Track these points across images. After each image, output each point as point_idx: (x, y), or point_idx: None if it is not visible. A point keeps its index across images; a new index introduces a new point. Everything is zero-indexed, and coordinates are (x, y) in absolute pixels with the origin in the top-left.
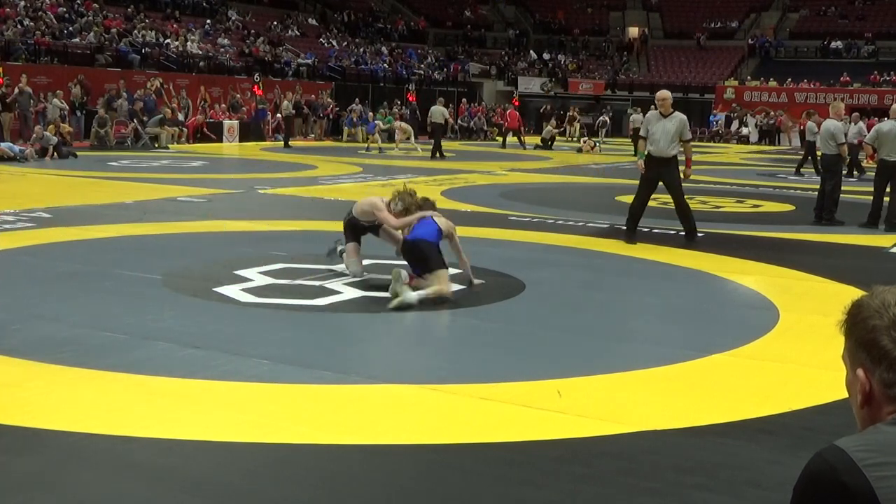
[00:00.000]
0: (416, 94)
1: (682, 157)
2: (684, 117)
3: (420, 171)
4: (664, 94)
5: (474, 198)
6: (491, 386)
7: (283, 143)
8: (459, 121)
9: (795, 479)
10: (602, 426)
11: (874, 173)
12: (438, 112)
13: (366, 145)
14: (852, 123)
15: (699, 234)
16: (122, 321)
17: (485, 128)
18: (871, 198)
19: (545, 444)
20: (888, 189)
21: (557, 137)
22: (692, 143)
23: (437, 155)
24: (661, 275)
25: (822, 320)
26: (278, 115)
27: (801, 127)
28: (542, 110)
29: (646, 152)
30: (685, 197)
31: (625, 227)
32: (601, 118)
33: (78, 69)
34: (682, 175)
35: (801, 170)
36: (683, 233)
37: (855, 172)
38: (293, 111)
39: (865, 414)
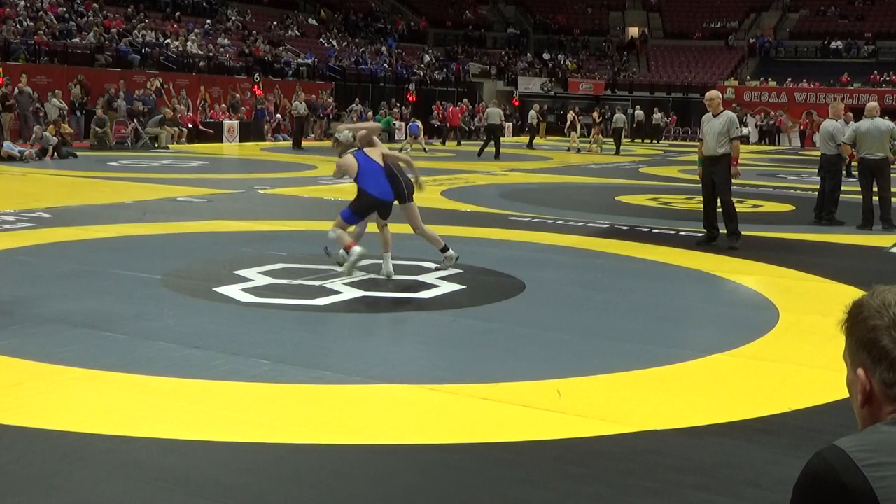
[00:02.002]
0: (416, 94)
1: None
2: (732, 115)
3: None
4: (712, 94)
5: (474, 198)
6: (491, 386)
7: (291, 143)
8: (460, 122)
9: (795, 479)
10: (602, 426)
11: (857, 172)
12: (496, 113)
13: (402, 146)
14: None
15: (738, 241)
16: (122, 321)
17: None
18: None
19: (545, 444)
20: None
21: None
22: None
23: (495, 155)
24: (661, 275)
25: (822, 320)
26: (277, 115)
27: (802, 127)
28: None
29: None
30: (734, 199)
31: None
32: (618, 115)
33: (78, 69)
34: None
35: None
36: (725, 232)
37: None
38: (304, 112)
39: (866, 413)
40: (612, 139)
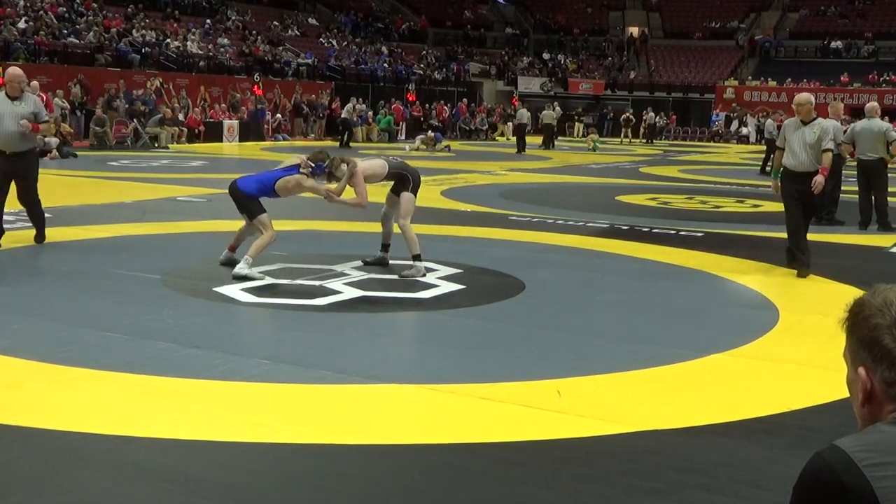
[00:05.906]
0: (416, 94)
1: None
2: (829, 125)
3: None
4: (802, 98)
5: (474, 198)
6: (491, 386)
7: (339, 143)
8: (460, 122)
9: (795, 479)
10: (602, 426)
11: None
12: (550, 115)
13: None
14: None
15: (805, 267)
16: (122, 321)
17: (485, 128)
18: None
19: (545, 444)
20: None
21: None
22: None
23: (551, 146)
24: (661, 275)
25: (822, 320)
26: (278, 115)
27: None
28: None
29: (782, 167)
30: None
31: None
32: (521, 111)
33: (78, 69)
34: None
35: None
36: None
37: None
38: (354, 114)
39: (866, 412)
40: (595, 136)
